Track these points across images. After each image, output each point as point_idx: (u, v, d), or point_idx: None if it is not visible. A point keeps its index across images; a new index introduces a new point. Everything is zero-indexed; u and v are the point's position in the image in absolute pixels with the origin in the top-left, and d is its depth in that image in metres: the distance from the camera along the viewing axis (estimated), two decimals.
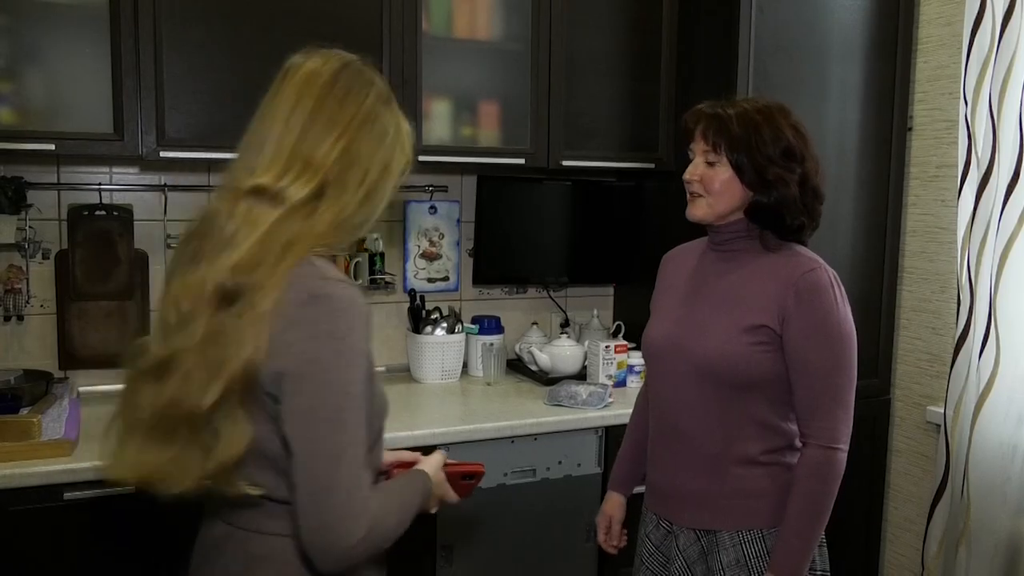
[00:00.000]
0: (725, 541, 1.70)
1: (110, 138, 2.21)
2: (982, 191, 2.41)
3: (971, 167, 2.47)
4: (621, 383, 2.72)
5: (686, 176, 1.72)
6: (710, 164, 1.69)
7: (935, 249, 2.78)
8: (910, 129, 2.84)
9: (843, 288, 1.68)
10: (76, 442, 2.02)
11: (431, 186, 2.88)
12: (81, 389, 2.47)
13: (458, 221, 2.97)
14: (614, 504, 1.98)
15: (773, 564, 1.64)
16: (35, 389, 2.23)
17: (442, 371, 2.76)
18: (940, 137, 2.75)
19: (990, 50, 2.40)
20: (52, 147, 2.16)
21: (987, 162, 2.40)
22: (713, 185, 1.68)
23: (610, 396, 2.55)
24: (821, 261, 1.69)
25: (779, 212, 1.66)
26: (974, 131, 2.45)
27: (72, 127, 2.19)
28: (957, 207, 2.53)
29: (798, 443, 1.70)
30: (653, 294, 1.92)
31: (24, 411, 2.08)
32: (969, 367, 2.45)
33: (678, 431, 1.74)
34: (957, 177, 2.53)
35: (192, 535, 2.19)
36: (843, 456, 1.65)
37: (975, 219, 2.44)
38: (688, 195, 1.73)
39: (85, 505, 1.94)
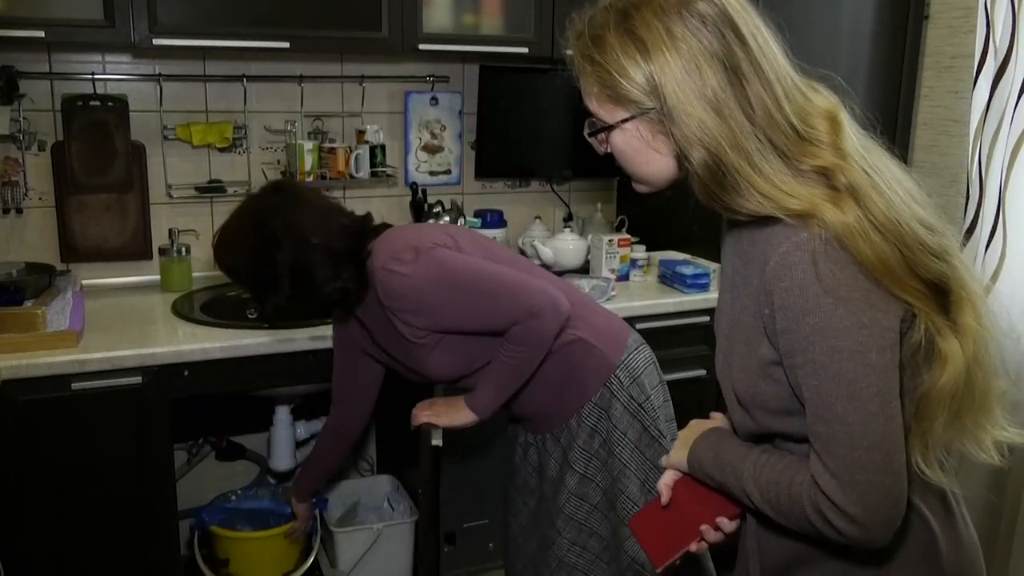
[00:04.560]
0: (573, 427, 1.87)
1: (101, 25, 2.14)
2: (998, 82, 2.35)
3: (988, 57, 2.40)
4: (624, 277, 2.72)
5: None
6: None
7: (946, 142, 2.73)
8: (926, 17, 2.75)
9: (424, 256, 1.73)
10: (81, 333, 2.03)
11: (432, 76, 2.82)
12: (84, 282, 2.47)
13: (460, 113, 2.91)
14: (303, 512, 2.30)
15: (470, 399, 1.81)
16: (38, 282, 2.23)
17: None
18: (956, 26, 2.67)
19: None
20: (42, 34, 2.10)
21: (1005, 51, 2.33)
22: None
23: (613, 290, 2.55)
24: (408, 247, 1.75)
25: (299, 303, 1.76)
26: (993, 19, 2.37)
27: (62, 13, 2.12)
28: (971, 98, 2.46)
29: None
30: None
31: (28, 303, 2.08)
32: (974, 261, 2.44)
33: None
34: (973, 68, 2.45)
35: (198, 426, 2.23)
36: (540, 322, 1.73)
37: (989, 111, 2.39)
38: None
39: (93, 395, 1.96)
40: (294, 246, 1.70)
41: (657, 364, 1.93)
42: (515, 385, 1.80)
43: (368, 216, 1.86)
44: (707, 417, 1.31)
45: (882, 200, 1.02)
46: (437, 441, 1.78)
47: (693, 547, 1.22)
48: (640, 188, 1.19)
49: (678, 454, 1.25)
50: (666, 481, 1.27)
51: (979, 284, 1.09)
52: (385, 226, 1.86)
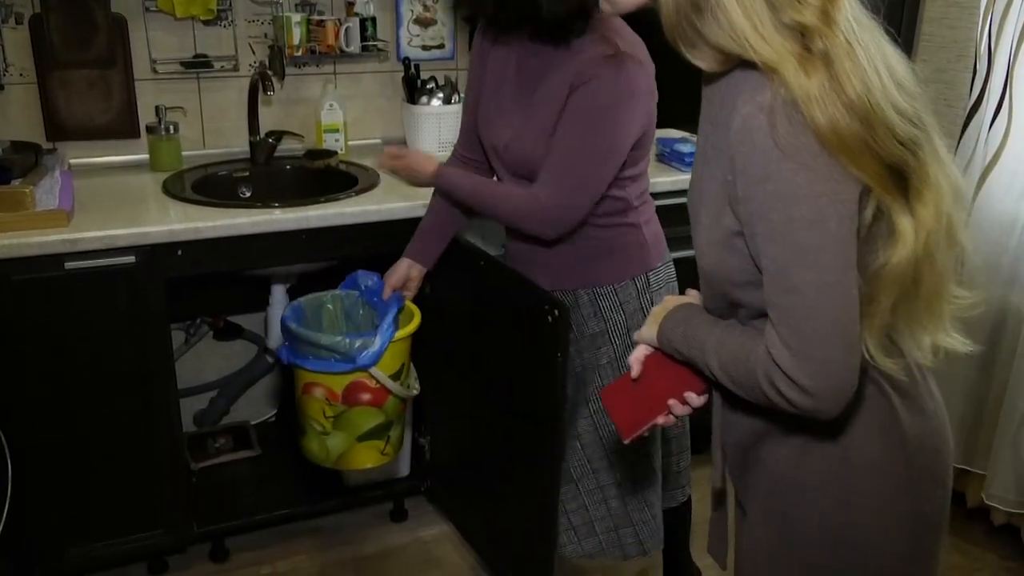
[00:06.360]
0: (583, 297, 1.86)
1: None
2: None
3: None
4: None
5: None
6: None
7: (956, 15, 2.64)
8: None
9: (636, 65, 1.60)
10: (71, 213, 2.01)
11: None
12: (72, 161, 2.42)
13: None
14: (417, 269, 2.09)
15: (445, 167, 1.89)
16: (24, 160, 2.18)
17: (439, 142, 2.69)
18: None
19: None
20: None
21: None
22: None
23: None
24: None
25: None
26: None
27: None
28: None
29: (635, 202, 1.82)
30: (473, 78, 1.92)
31: (15, 182, 2.04)
32: (978, 138, 2.40)
33: None
34: None
35: (195, 307, 2.22)
36: (545, 213, 1.72)
37: None
38: None
39: (87, 274, 1.95)
40: None
41: (676, 286, 1.92)
42: (474, 202, 1.84)
43: None
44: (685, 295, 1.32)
45: (857, 76, 0.99)
46: (568, 320, 1.75)
47: (660, 420, 1.24)
48: (605, 8, 1.15)
49: (649, 329, 1.26)
50: (637, 356, 1.28)
51: (953, 185, 1.06)
52: None
